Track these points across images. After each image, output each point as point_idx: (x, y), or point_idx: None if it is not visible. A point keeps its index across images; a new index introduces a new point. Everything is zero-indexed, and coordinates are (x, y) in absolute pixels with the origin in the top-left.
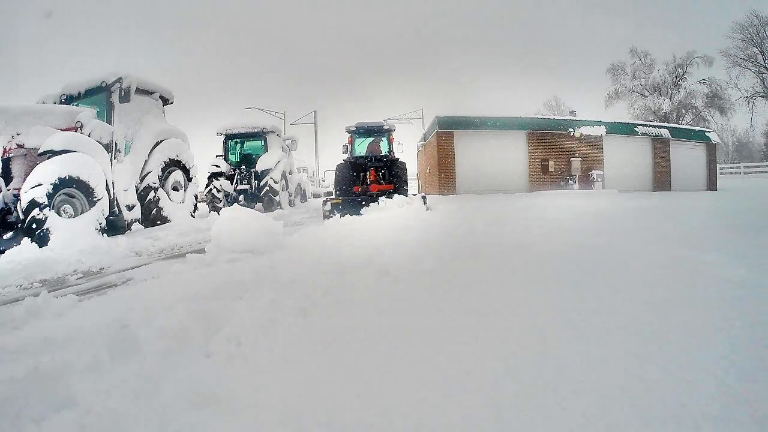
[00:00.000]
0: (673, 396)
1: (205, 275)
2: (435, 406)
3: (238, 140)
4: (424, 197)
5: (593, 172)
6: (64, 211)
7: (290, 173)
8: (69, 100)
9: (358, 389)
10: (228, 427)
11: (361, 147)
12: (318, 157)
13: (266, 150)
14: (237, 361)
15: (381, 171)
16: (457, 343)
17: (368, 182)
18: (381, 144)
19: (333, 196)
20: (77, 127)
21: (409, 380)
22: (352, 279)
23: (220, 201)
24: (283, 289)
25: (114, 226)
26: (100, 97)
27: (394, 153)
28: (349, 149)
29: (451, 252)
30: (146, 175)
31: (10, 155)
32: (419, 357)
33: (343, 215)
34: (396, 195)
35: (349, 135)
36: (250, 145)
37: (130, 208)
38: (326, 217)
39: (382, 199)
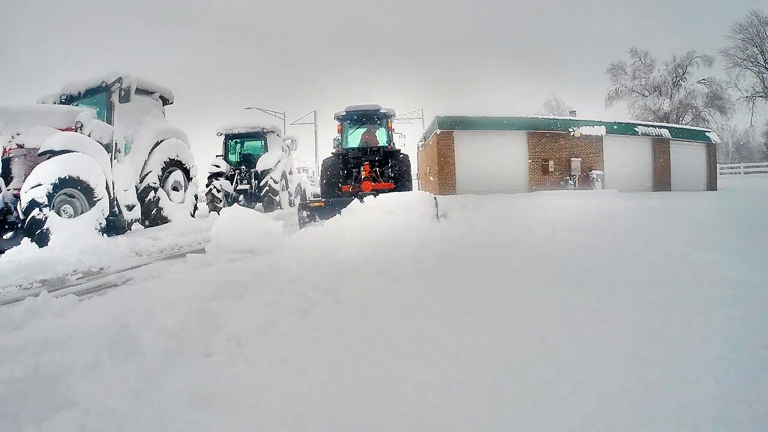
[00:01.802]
0: (673, 396)
1: (205, 275)
2: (435, 405)
3: (238, 140)
4: (435, 200)
5: (593, 172)
6: (64, 211)
7: (290, 173)
8: (69, 100)
9: (358, 389)
10: (228, 427)
11: (355, 138)
12: (318, 158)
13: (266, 150)
14: (237, 360)
15: (378, 166)
16: (458, 342)
17: (361, 179)
18: (378, 133)
19: (314, 198)
20: (77, 127)
21: (409, 380)
22: (351, 279)
23: (220, 201)
24: (282, 289)
25: (114, 226)
26: (100, 97)
27: (394, 144)
28: (339, 141)
29: (453, 252)
30: (146, 175)
31: (10, 155)
32: (419, 357)
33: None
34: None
35: (338, 123)
36: (250, 145)
37: (130, 208)
38: (303, 223)
39: (370, 198)
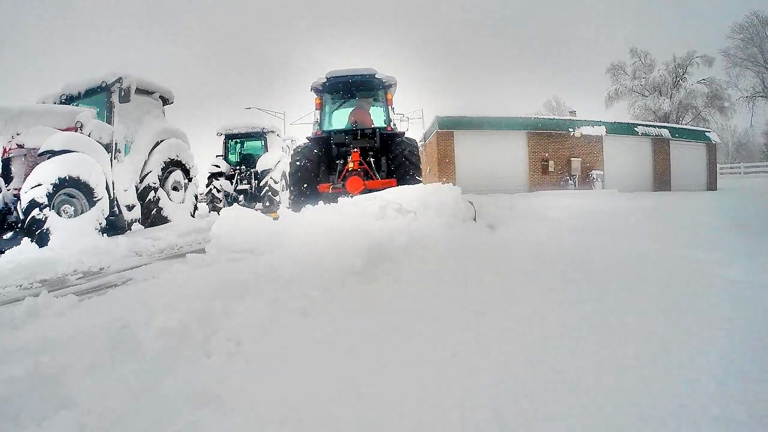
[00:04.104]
0: (673, 396)
1: (206, 275)
2: (435, 405)
3: (238, 140)
4: (473, 208)
5: (593, 172)
6: (64, 211)
7: None
8: (69, 100)
9: (358, 389)
10: (228, 426)
11: (341, 117)
12: None
13: (266, 150)
14: (237, 360)
15: (373, 155)
16: (458, 342)
17: (347, 174)
18: (372, 110)
19: (263, 207)
20: (77, 127)
21: (409, 380)
22: (351, 279)
23: (220, 201)
24: (282, 288)
25: (114, 226)
26: (100, 97)
27: (394, 125)
28: (318, 122)
29: (455, 252)
30: (146, 175)
31: (10, 155)
32: (419, 357)
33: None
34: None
35: (317, 96)
36: (250, 145)
37: (130, 208)
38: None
39: (347, 199)
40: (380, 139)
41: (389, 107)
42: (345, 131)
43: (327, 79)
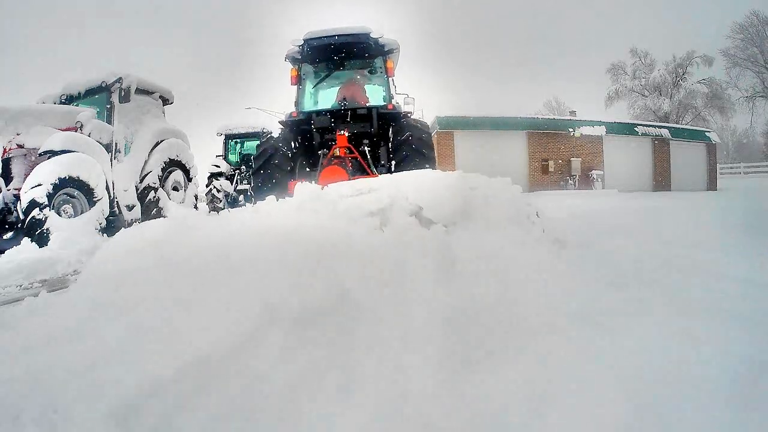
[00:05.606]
0: (674, 397)
1: None
2: (435, 405)
3: (238, 140)
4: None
5: (593, 172)
6: (64, 211)
7: None
8: (69, 100)
9: (354, 387)
10: (228, 427)
11: (327, 96)
12: None
13: None
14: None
15: (369, 143)
16: (458, 341)
17: (328, 163)
18: (369, 88)
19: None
20: (77, 127)
21: (407, 380)
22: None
23: (220, 201)
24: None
25: (114, 226)
26: (100, 97)
27: (397, 103)
28: (296, 99)
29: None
30: (146, 175)
31: (10, 155)
32: (419, 354)
33: None
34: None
35: (294, 65)
36: (250, 145)
37: (130, 208)
38: None
39: (308, 188)
40: (379, 120)
41: (389, 79)
42: (330, 111)
43: (305, 41)
